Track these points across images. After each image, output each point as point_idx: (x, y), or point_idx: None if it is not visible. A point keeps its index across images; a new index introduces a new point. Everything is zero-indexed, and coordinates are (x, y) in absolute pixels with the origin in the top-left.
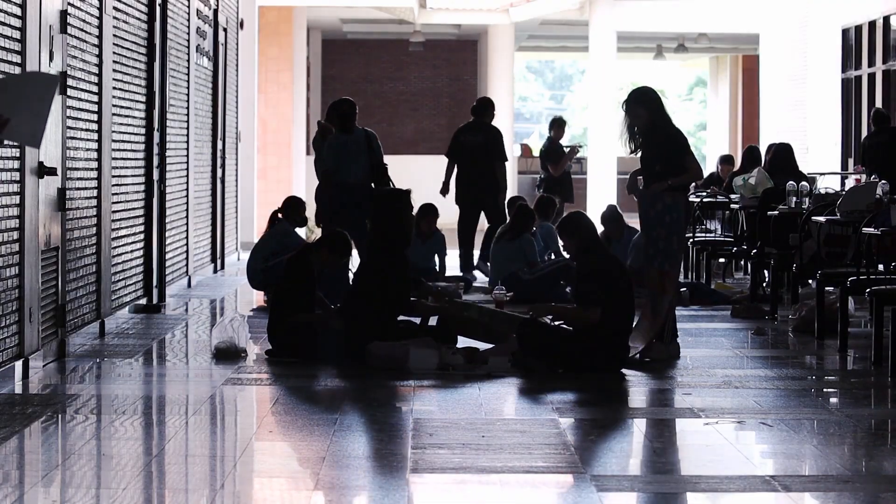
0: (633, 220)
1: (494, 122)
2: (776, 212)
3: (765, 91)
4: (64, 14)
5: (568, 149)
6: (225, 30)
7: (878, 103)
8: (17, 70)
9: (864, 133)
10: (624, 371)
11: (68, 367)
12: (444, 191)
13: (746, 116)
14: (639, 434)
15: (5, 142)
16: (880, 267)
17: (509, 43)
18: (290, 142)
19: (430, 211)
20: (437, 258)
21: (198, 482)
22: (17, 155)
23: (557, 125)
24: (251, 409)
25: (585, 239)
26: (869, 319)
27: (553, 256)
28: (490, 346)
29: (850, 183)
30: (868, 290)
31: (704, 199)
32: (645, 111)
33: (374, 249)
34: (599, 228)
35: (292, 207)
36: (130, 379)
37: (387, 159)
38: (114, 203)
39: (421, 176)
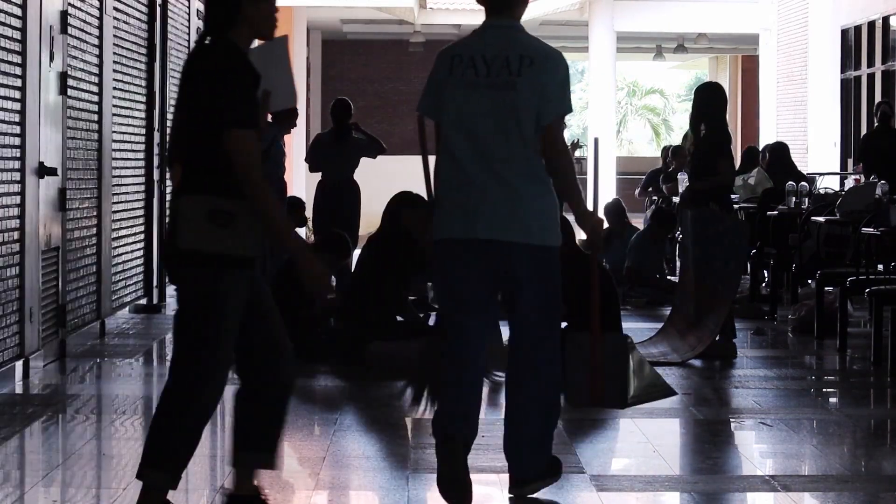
0: (635, 220)
1: None
2: (776, 212)
3: (764, 91)
4: (64, 14)
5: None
6: None
7: None
8: (18, 70)
9: (864, 132)
10: None
11: (68, 367)
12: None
13: (746, 117)
14: (639, 434)
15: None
16: (880, 267)
17: None
18: (290, 142)
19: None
20: None
21: (198, 482)
22: (18, 155)
23: None
24: None
25: (572, 240)
26: (868, 319)
27: None
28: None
29: (849, 183)
30: (867, 290)
31: None
32: (716, 100)
33: (374, 245)
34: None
35: (292, 207)
36: (130, 379)
37: (387, 159)
38: (114, 203)
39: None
